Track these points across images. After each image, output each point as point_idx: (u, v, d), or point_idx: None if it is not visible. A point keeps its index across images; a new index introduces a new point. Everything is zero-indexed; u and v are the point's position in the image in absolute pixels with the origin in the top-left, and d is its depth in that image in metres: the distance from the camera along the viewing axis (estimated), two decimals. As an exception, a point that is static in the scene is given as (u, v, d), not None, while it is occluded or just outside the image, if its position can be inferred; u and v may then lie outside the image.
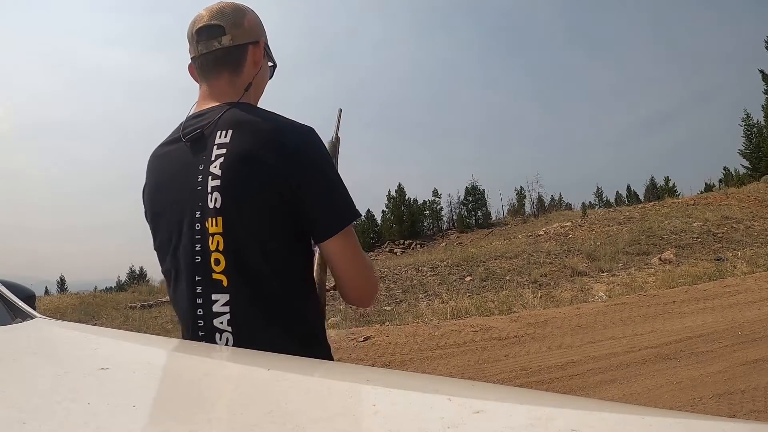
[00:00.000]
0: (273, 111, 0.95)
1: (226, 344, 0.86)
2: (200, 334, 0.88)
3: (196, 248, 0.88)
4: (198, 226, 0.88)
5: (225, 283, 0.86)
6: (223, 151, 0.88)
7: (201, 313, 0.87)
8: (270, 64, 1.08)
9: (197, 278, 0.88)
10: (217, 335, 0.86)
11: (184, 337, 0.95)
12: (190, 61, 1.00)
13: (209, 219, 0.87)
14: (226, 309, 0.86)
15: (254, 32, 0.99)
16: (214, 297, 0.86)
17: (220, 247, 0.86)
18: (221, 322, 0.86)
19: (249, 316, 0.87)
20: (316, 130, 0.92)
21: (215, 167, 0.87)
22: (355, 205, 0.91)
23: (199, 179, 0.89)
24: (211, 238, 0.87)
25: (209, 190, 0.87)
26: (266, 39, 1.04)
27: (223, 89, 0.96)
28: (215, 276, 0.86)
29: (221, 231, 0.86)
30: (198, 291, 0.87)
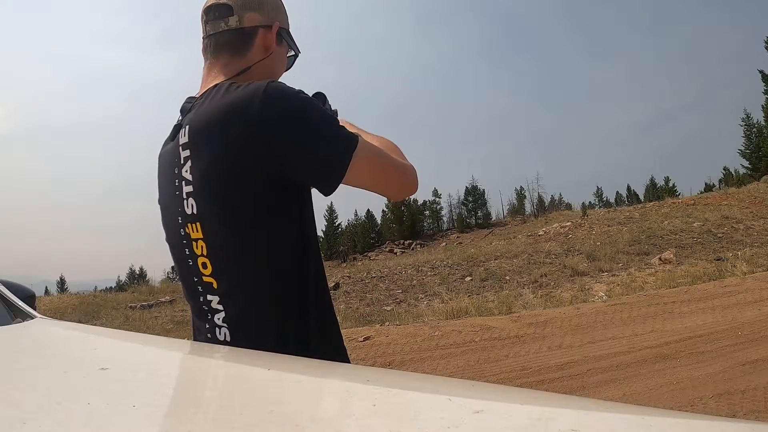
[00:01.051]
0: (240, 84, 0.84)
1: (224, 339, 0.86)
2: (206, 326, 0.88)
3: (186, 252, 0.87)
4: (183, 232, 0.87)
5: (215, 285, 0.85)
6: (188, 153, 0.84)
7: (206, 308, 0.88)
8: (290, 53, 1.01)
9: (195, 279, 0.88)
10: (217, 330, 0.87)
11: (194, 330, 0.95)
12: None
13: (189, 225, 0.85)
14: (221, 307, 0.86)
15: (267, 15, 0.93)
16: (209, 297, 0.87)
17: (205, 252, 0.85)
18: (218, 319, 0.86)
19: (241, 318, 0.86)
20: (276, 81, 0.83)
21: (186, 171, 0.84)
22: (346, 135, 0.82)
23: (176, 184, 0.86)
24: (195, 243, 0.85)
25: (184, 195, 0.85)
26: (285, 24, 0.98)
27: (221, 71, 0.91)
28: (206, 279, 0.86)
29: (202, 236, 0.84)
30: (200, 290, 0.88)
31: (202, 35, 0.95)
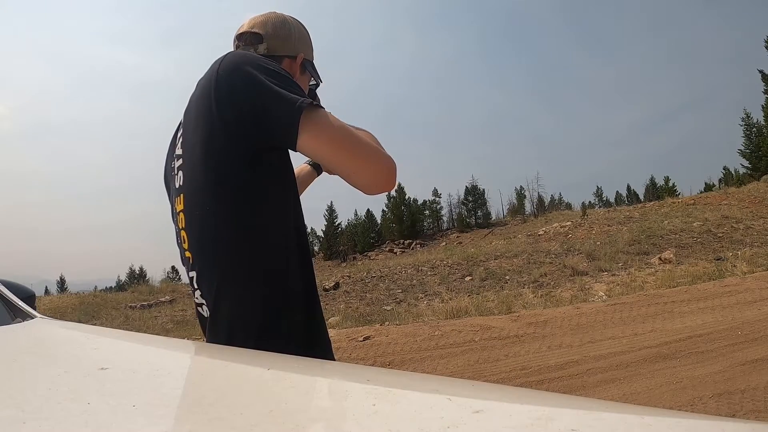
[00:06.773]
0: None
1: (206, 315, 0.88)
2: (196, 305, 0.92)
3: (175, 229, 0.93)
4: (174, 209, 0.93)
5: (191, 260, 0.88)
6: (180, 132, 0.92)
7: (192, 287, 0.91)
8: (312, 82, 1.06)
9: (183, 258, 0.92)
10: (199, 308, 0.90)
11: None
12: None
13: (176, 198, 0.90)
14: (197, 285, 0.89)
15: (293, 46, 1.00)
16: (190, 274, 0.90)
17: (184, 225, 0.88)
18: (199, 295, 0.89)
19: (212, 291, 0.86)
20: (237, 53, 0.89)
21: (179, 148, 0.91)
22: (299, 93, 0.81)
23: (173, 164, 0.94)
24: (179, 216, 0.90)
25: (176, 171, 0.91)
26: (310, 55, 1.04)
27: None
28: (186, 254, 0.89)
29: (183, 208, 0.88)
30: (185, 268, 0.92)
31: None
